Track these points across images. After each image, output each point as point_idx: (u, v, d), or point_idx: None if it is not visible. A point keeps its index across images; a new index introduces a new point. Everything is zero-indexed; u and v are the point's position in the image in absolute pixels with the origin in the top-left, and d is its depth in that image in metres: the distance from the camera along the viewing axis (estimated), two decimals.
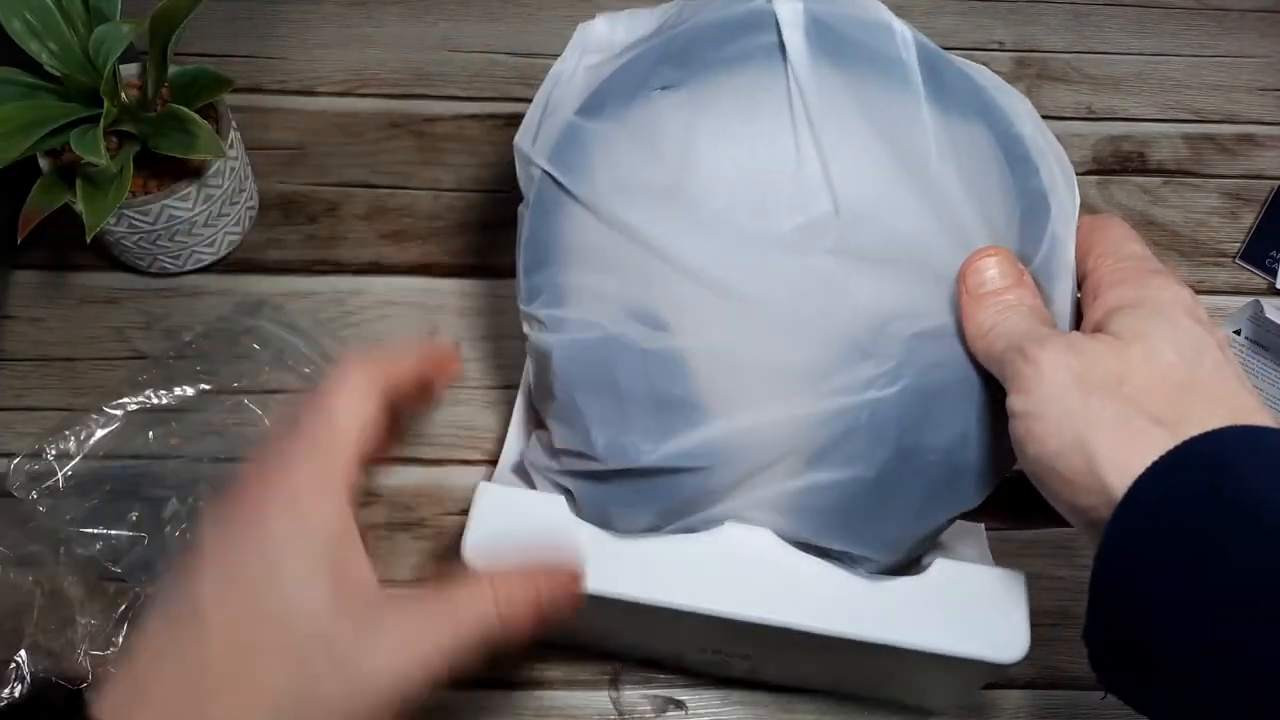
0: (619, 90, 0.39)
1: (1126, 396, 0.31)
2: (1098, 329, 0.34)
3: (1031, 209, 0.38)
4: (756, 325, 0.38)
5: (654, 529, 0.39)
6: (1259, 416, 0.31)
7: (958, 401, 0.37)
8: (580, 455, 0.39)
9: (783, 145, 0.38)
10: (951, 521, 0.39)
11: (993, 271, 0.37)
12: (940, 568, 0.39)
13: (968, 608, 0.38)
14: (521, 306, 0.40)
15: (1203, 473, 0.29)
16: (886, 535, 0.39)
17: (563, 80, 0.41)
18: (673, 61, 0.39)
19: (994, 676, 0.40)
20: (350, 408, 0.33)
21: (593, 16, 0.42)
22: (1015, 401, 0.34)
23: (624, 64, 0.40)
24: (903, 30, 0.39)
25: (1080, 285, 0.37)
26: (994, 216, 0.38)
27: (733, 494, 0.39)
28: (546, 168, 0.39)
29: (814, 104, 0.38)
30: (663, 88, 0.39)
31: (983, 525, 0.45)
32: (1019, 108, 0.39)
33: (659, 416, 0.38)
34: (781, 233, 0.38)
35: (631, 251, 0.38)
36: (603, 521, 0.40)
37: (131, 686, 0.30)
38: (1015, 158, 0.39)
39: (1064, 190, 0.38)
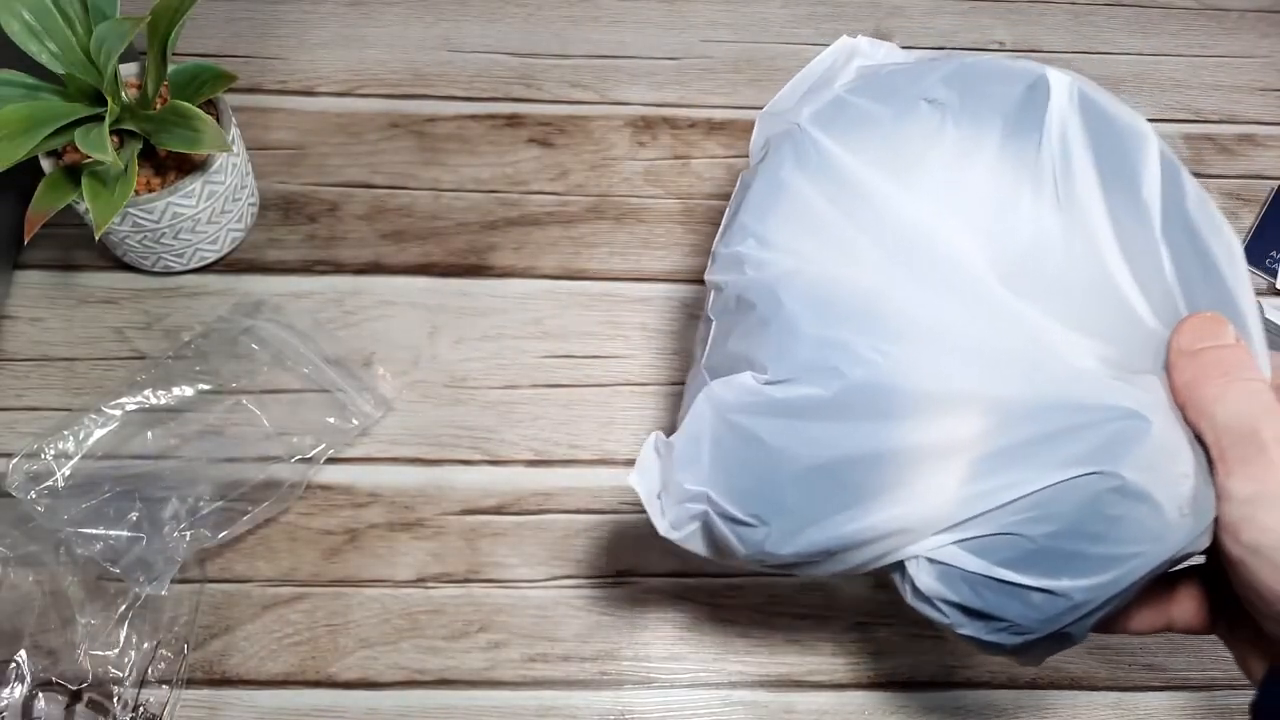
0: (894, 85, 0.41)
1: None
2: None
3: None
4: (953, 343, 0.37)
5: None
6: None
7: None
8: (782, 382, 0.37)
9: (1021, 195, 0.39)
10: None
11: (1211, 329, 0.36)
12: None
13: None
14: (733, 249, 0.40)
15: None
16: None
17: (827, 69, 0.44)
18: (950, 84, 0.41)
19: None
20: None
21: (595, 18, 0.42)
22: (1238, 485, 0.33)
23: (904, 67, 0.42)
24: (1160, 146, 0.41)
25: None
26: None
27: (913, 466, 0.36)
28: (807, 125, 0.40)
29: (1062, 168, 0.39)
30: (930, 100, 0.40)
31: None
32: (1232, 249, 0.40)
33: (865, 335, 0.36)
34: (996, 272, 0.38)
35: (863, 226, 0.39)
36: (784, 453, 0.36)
37: None
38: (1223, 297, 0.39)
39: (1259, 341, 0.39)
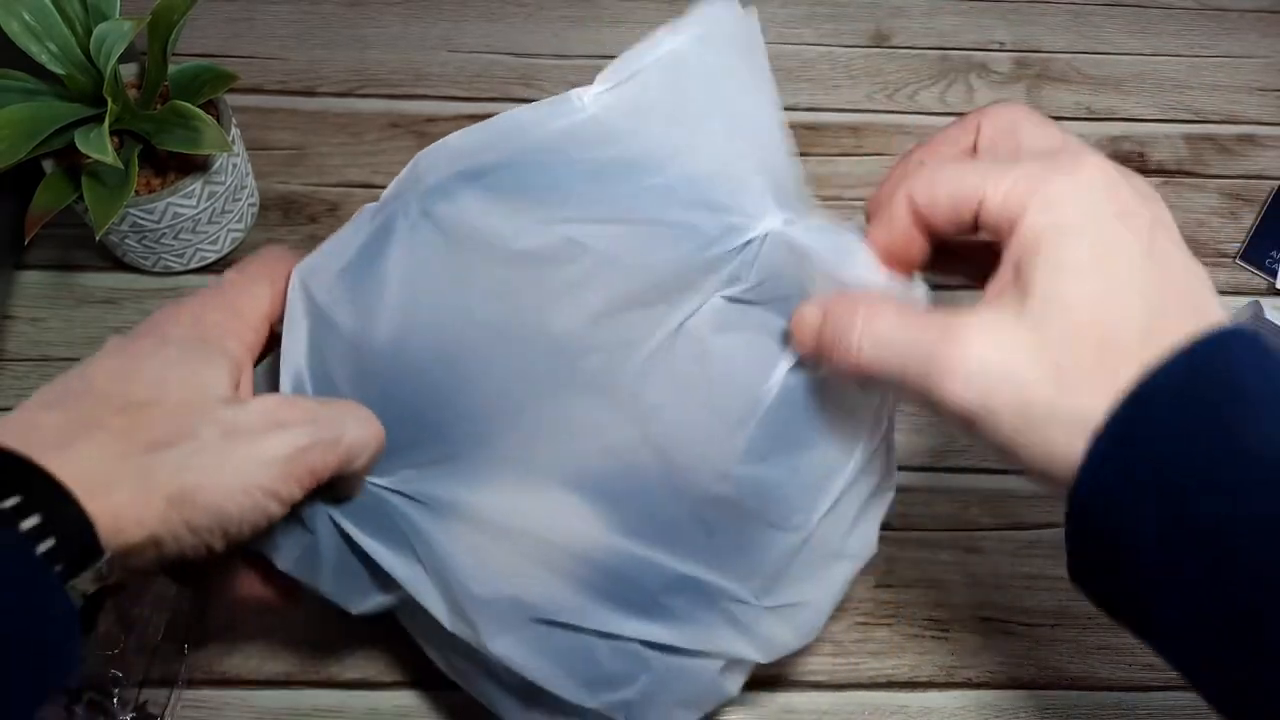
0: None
1: (1049, 361, 0.30)
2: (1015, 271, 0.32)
3: None
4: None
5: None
6: (1208, 315, 0.31)
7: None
8: None
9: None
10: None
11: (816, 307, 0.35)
12: None
13: None
14: None
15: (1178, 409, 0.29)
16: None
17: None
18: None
19: None
20: (262, 292, 0.37)
21: (595, 18, 0.42)
22: (948, 392, 0.31)
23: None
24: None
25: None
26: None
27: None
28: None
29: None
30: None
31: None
32: None
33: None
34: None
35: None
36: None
37: (21, 419, 0.34)
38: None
39: None
